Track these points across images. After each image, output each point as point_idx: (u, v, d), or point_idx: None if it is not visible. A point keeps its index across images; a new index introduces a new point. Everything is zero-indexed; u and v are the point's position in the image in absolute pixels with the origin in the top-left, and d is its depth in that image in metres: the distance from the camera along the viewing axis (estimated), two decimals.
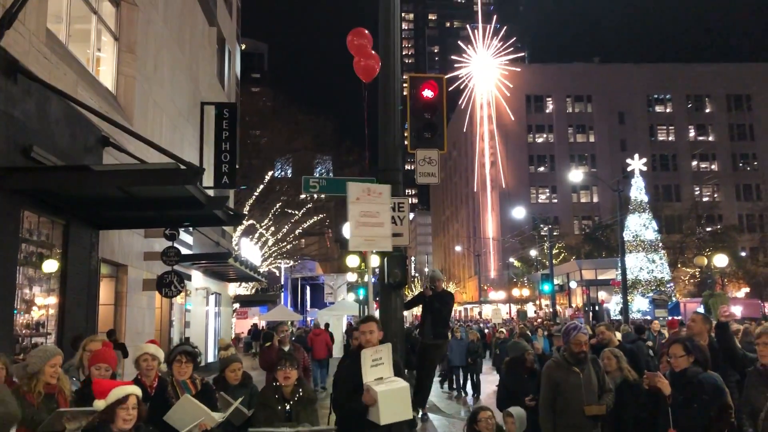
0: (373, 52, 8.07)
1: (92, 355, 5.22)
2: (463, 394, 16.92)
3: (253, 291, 39.02)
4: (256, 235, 36.06)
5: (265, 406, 5.20)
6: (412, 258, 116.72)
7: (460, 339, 17.15)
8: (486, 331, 29.87)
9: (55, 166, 8.18)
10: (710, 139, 73.85)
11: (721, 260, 36.65)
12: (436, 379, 17.04)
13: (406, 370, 8.96)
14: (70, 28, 10.15)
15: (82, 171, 7.74)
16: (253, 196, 34.28)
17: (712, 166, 73.22)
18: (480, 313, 65.95)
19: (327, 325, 22.14)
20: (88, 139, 9.81)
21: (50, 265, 8.99)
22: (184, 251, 15.07)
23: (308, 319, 45.59)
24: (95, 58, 11.50)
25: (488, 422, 5.76)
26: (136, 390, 4.18)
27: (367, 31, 8.77)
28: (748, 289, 52.81)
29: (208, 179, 17.48)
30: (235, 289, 30.19)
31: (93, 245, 10.29)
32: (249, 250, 28.29)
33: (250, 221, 34.52)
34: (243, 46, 36.47)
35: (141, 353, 5.37)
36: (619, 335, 10.65)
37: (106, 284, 12.23)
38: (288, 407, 5.13)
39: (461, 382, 17.18)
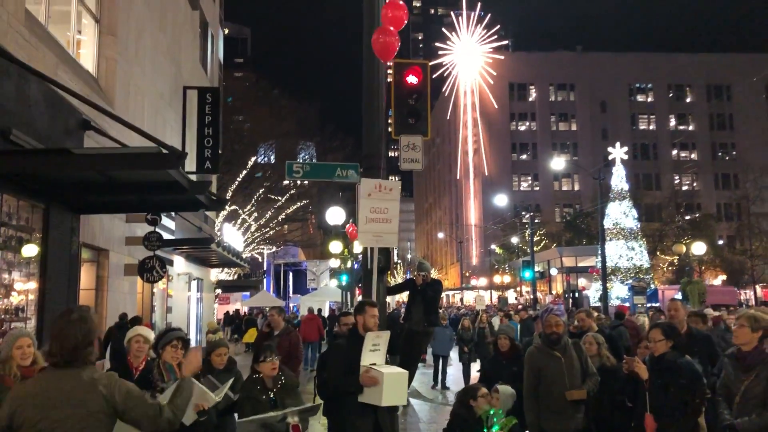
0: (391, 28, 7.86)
1: None
2: (441, 387, 15.58)
3: (236, 277, 38.92)
4: (239, 220, 35.90)
5: (249, 397, 5.22)
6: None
7: (445, 327, 15.99)
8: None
9: (34, 149, 8.07)
10: (690, 128, 74.59)
11: (699, 248, 37.21)
12: (426, 371, 17.13)
13: (388, 356, 9.05)
14: (49, 9, 9.99)
15: (63, 154, 7.65)
16: (236, 182, 34.09)
17: (692, 155, 74.05)
18: (462, 300, 66.39)
19: (320, 311, 23.15)
20: (68, 122, 9.69)
21: (30, 250, 8.90)
22: (166, 236, 14.96)
23: (290, 305, 45.59)
24: (76, 40, 11.34)
25: (488, 397, 5.65)
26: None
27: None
28: (725, 277, 53.70)
29: (190, 164, 17.37)
30: (217, 274, 30.09)
31: (74, 230, 10.19)
32: (232, 236, 28.13)
33: (233, 207, 34.35)
34: (226, 31, 36.09)
35: (134, 334, 5.43)
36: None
37: (87, 269, 12.13)
38: (272, 395, 5.18)
39: (444, 373, 15.81)
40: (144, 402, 3.18)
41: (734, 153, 73.72)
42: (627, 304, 32.79)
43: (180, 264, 19.87)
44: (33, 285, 9.06)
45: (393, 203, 6.52)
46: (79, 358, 3.05)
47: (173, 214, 16.10)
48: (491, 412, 5.66)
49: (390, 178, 8.94)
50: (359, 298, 9.09)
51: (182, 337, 5.28)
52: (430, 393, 15.10)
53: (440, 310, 20.41)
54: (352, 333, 5.52)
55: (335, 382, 5.16)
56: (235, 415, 5.67)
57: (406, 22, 7.87)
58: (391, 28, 7.74)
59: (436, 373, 16.01)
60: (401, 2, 7.95)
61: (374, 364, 5.02)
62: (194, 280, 22.49)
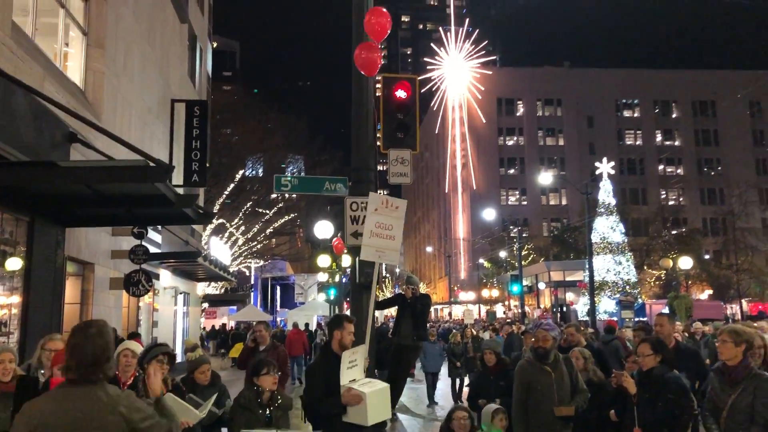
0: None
1: (55, 355, 5.11)
2: (429, 402, 15.12)
3: (223, 291, 38.69)
4: (226, 234, 35.76)
5: (244, 408, 5.18)
6: None
7: (434, 342, 15.61)
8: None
9: (20, 161, 8.00)
10: (676, 143, 75.30)
11: (685, 263, 37.44)
12: (414, 386, 17.03)
13: (376, 371, 9.00)
14: (36, 21, 9.94)
15: (49, 167, 7.58)
16: (224, 195, 33.99)
17: (678, 171, 74.72)
18: (450, 314, 66.30)
19: (306, 325, 23.16)
20: (54, 134, 9.62)
21: (14, 263, 8.80)
22: (153, 250, 14.86)
23: (278, 319, 45.31)
24: (63, 52, 11.29)
25: (461, 422, 5.72)
26: None
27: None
28: (711, 291, 54.01)
29: (177, 177, 17.27)
30: (204, 288, 29.89)
31: (59, 243, 10.09)
32: (219, 250, 28.03)
33: (221, 220, 34.23)
34: (215, 44, 36.13)
35: (122, 349, 5.36)
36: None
37: (72, 283, 12.01)
38: (268, 412, 5.14)
39: (433, 388, 15.30)
40: (158, 422, 3.11)
41: (719, 168, 74.47)
42: (615, 318, 32.87)
43: (166, 278, 19.72)
44: (16, 299, 8.95)
45: (398, 221, 6.52)
46: (98, 374, 2.95)
47: (160, 227, 16.01)
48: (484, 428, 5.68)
49: (379, 192, 8.94)
50: (348, 312, 9.03)
51: (168, 352, 5.24)
52: (419, 408, 15.01)
53: (429, 325, 20.25)
54: (325, 351, 5.20)
55: (316, 405, 4.98)
56: (224, 430, 5.62)
57: (389, 30, 7.87)
58: (374, 43, 7.77)
59: (429, 389, 15.41)
60: (384, 10, 7.95)
61: (354, 380, 4.93)
62: (181, 294, 22.32)
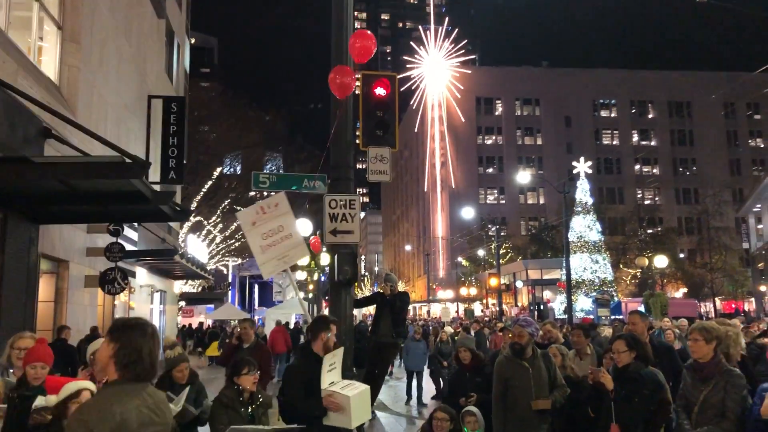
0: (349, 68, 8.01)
1: (27, 353, 5.01)
2: (417, 403, 14.79)
3: (200, 289, 38.41)
4: (204, 231, 35.50)
5: (227, 407, 5.13)
6: (362, 257, 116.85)
7: (419, 341, 15.40)
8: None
9: None
10: (652, 143, 76.24)
11: (661, 261, 37.91)
12: (394, 383, 17.00)
13: (354, 369, 8.99)
14: (10, 14, 9.77)
15: (22, 163, 7.46)
16: (201, 192, 33.73)
17: (654, 170, 75.69)
18: (428, 312, 66.48)
19: (287, 324, 23.65)
20: (28, 130, 9.46)
21: None
22: (129, 247, 14.70)
23: (256, 317, 45.07)
24: (37, 47, 11.11)
25: (441, 423, 5.77)
26: (90, 385, 4.12)
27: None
28: (685, 290, 54.81)
29: (154, 174, 17.08)
30: (181, 286, 29.65)
31: (32, 240, 9.94)
32: (196, 247, 27.81)
33: (198, 218, 33.97)
34: (192, 40, 35.79)
35: (97, 348, 5.26)
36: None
37: (46, 281, 11.84)
38: (250, 410, 5.12)
39: (420, 389, 14.97)
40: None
41: (694, 168, 75.56)
42: (591, 316, 33.21)
43: (142, 276, 19.52)
44: None
45: (286, 217, 6.17)
46: (155, 373, 3.02)
47: (136, 224, 15.85)
48: None
49: (357, 190, 8.93)
50: (326, 310, 9.02)
51: None
52: (397, 406, 15.02)
53: (416, 324, 20.09)
54: (306, 352, 5.10)
55: (296, 405, 4.93)
56: (201, 429, 5.57)
57: (374, 51, 7.90)
58: (349, 67, 7.82)
59: (410, 388, 15.26)
60: (369, 32, 7.98)
61: (333, 383, 4.90)
62: (157, 292, 22.12)
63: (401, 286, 11.87)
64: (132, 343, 2.83)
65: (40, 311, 10.92)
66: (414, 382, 15.17)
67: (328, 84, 8.02)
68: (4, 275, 8.94)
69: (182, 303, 34.87)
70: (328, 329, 5.03)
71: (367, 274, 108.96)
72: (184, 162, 18.99)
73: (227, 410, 5.12)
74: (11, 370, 5.30)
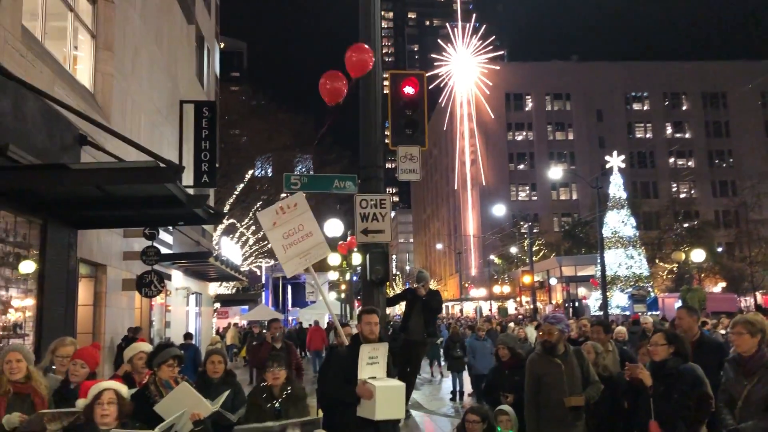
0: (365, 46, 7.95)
1: (77, 351, 5.23)
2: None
3: (234, 290, 38.83)
4: (237, 234, 35.88)
5: (253, 405, 5.22)
6: (393, 256, 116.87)
7: (485, 339, 13.72)
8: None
9: (31, 164, 8.05)
10: (687, 136, 74.80)
11: (698, 255, 37.16)
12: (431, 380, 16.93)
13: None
14: (46, 25, 10.00)
15: (60, 169, 7.63)
16: (234, 195, 34.10)
17: (689, 163, 74.21)
18: (461, 311, 66.25)
19: (317, 322, 25.71)
20: (65, 137, 9.68)
21: (27, 266, 8.86)
22: (164, 251, 14.93)
23: (290, 318, 45.43)
24: (72, 56, 11.36)
25: (473, 426, 5.79)
26: (113, 385, 4.20)
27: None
28: (724, 284, 53.66)
29: (187, 178, 17.34)
30: (215, 288, 30.01)
31: (71, 245, 10.16)
32: (230, 250, 28.14)
33: (231, 220, 34.36)
34: (222, 45, 36.20)
35: (136, 352, 5.44)
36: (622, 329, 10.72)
37: (85, 284, 12.08)
38: (277, 405, 5.17)
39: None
40: None
41: (731, 160, 73.90)
42: (627, 313, 32.72)
43: (178, 278, 19.81)
44: (30, 301, 9.01)
45: (305, 215, 6.16)
46: None
47: (171, 228, 16.08)
48: None
49: (386, 189, 8.94)
50: (358, 310, 9.07)
51: (178, 355, 5.27)
52: (430, 404, 15.00)
53: (484, 323, 19.31)
54: (354, 341, 5.39)
55: (334, 391, 5.10)
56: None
57: (371, 66, 7.88)
58: (339, 73, 7.80)
59: (455, 386, 15.23)
60: (366, 46, 7.95)
61: (373, 377, 4.95)
62: (193, 294, 22.42)
63: (432, 285, 11.82)
64: None
65: (80, 315, 11.15)
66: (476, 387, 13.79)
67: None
68: (45, 280, 9.16)
69: (217, 305, 35.29)
70: (360, 319, 5.36)
71: (398, 273, 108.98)
72: (217, 165, 19.24)
73: (254, 408, 5.22)
74: (53, 367, 5.46)
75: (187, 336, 14.97)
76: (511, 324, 19.85)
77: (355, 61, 7.63)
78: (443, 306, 10.23)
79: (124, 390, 4.35)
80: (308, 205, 6.26)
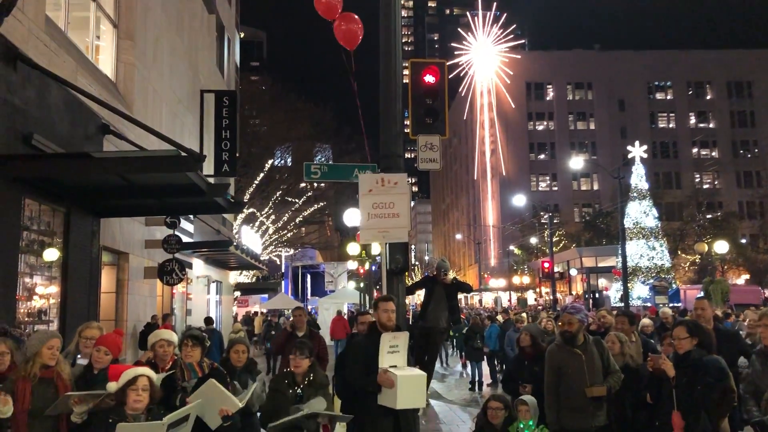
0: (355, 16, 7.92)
1: (99, 338, 5.30)
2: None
3: (254, 279, 39.06)
4: (257, 223, 36.06)
5: (275, 391, 5.28)
6: (413, 246, 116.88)
7: (518, 331, 14.42)
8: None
9: (55, 153, 8.15)
10: (711, 126, 73.69)
11: (721, 247, 36.70)
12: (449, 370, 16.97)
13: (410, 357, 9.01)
14: (68, 15, 10.09)
15: (83, 158, 7.71)
16: (254, 185, 34.25)
17: (713, 153, 73.11)
18: (480, 301, 66.11)
19: (339, 312, 26.10)
20: (88, 126, 9.78)
21: (51, 254, 8.98)
22: (185, 239, 15.05)
23: (309, 307, 45.61)
24: (94, 45, 11.44)
25: (496, 413, 5.86)
26: (147, 372, 4.27)
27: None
28: (748, 276, 52.93)
29: (208, 167, 17.45)
30: (236, 277, 30.23)
31: (94, 233, 10.28)
32: (250, 239, 28.30)
33: (251, 209, 34.53)
34: (242, 34, 36.29)
35: (157, 339, 5.51)
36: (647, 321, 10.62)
37: (108, 272, 12.23)
38: (299, 390, 5.20)
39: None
40: None
41: (756, 150, 72.64)
42: (649, 304, 32.43)
43: (199, 267, 19.98)
44: (55, 288, 9.14)
45: (400, 197, 6.29)
46: None
47: (192, 217, 16.21)
48: (521, 425, 5.69)
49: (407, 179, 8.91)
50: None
51: (194, 335, 5.32)
52: (449, 393, 15.00)
53: (513, 311, 19.41)
54: (371, 330, 5.41)
55: (354, 380, 5.11)
56: (258, 414, 5.68)
57: (360, 37, 7.84)
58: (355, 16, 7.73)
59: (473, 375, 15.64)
60: (355, 16, 7.92)
61: (394, 366, 4.97)
62: (213, 282, 22.61)
63: (451, 275, 11.84)
64: None
65: (102, 302, 11.30)
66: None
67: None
68: (69, 267, 9.28)
69: (237, 293, 35.55)
70: (377, 307, 5.39)
71: (417, 263, 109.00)
72: (237, 155, 19.32)
73: (275, 394, 5.27)
74: (78, 356, 5.53)
75: (208, 321, 15.02)
76: (543, 313, 19.53)
77: (344, 29, 7.58)
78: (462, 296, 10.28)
79: (155, 377, 4.43)
80: (409, 189, 6.39)
